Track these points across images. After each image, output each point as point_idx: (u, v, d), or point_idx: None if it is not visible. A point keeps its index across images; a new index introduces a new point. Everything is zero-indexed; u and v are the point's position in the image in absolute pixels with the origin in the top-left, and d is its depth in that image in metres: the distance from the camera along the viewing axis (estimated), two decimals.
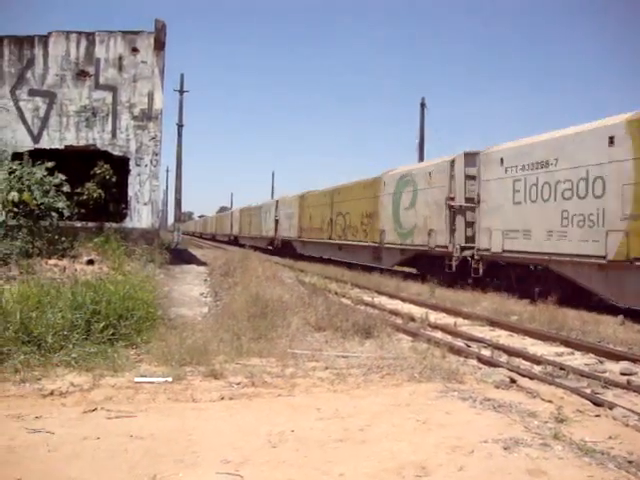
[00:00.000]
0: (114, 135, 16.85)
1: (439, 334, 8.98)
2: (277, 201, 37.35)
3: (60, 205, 13.72)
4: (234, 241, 49.96)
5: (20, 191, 13.17)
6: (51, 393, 4.90)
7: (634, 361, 7.26)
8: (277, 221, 35.77)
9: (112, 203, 17.30)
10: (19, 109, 16.55)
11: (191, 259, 22.25)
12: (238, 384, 5.36)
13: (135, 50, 16.99)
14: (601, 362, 7.43)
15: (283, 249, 33.88)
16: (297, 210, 31.65)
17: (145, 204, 16.91)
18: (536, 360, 7.19)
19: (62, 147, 16.59)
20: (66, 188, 14.17)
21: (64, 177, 14.14)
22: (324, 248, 27.37)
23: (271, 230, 37.04)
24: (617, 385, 6.09)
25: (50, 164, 13.91)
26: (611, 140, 11.10)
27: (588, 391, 5.69)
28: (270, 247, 37.13)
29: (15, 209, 13.06)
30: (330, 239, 26.02)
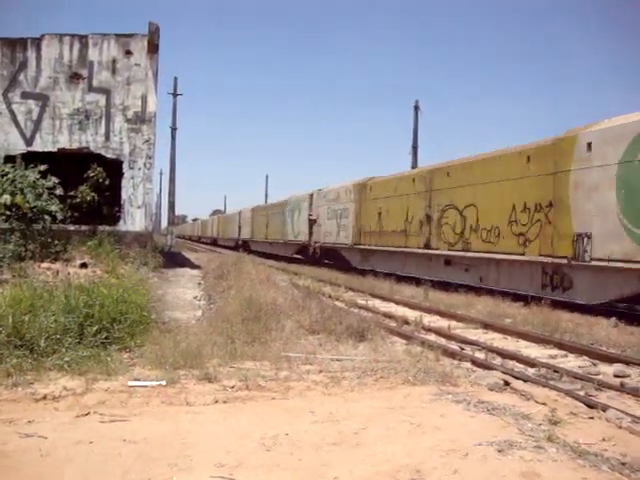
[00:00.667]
0: (107, 138, 16.80)
1: (433, 337, 8.99)
2: (311, 195, 27.90)
3: (53, 208, 13.66)
4: (243, 246, 40.38)
5: (13, 194, 13.10)
6: (44, 397, 4.87)
7: (627, 363, 7.29)
8: (312, 221, 27.11)
9: (105, 206, 17.23)
10: (12, 112, 16.47)
11: (185, 262, 22.19)
12: (232, 387, 5.35)
13: (129, 53, 16.95)
14: (594, 364, 7.45)
15: (324, 259, 26.12)
16: (354, 205, 22.57)
17: (139, 207, 16.86)
18: (530, 362, 7.21)
19: (55, 150, 16.52)
20: (59, 191, 14.11)
21: (57, 180, 14.09)
22: (411, 262, 18.51)
23: (302, 234, 28.48)
24: (611, 387, 6.11)
25: (43, 167, 13.86)
26: None
27: (582, 393, 5.70)
28: (300, 256, 29.40)
29: (8, 212, 12.98)
30: (427, 248, 17.39)
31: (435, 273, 17.21)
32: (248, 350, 6.61)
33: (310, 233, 27.48)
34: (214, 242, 60.15)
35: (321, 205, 26.46)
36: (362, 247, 21.89)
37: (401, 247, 19.06)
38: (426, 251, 17.60)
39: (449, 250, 16.44)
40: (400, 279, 18.01)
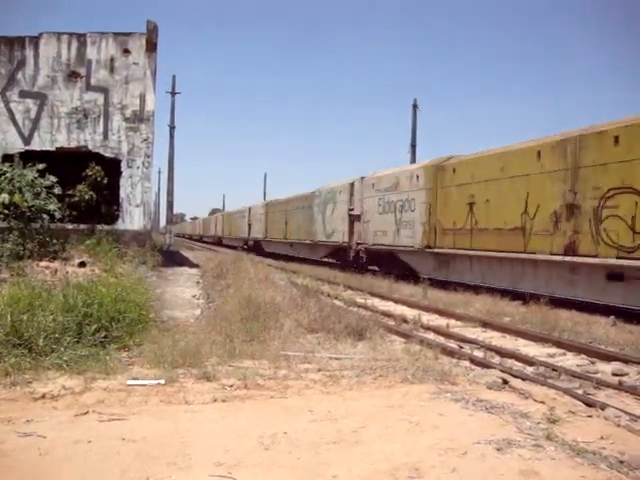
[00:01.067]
0: (106, 137, 16.78)
1: (432, 335, 8.99)
2: (352, 184, 22.54)
3: (51, 207, 13.65)
4: (254, 247, 37.90)
5: (11, 193, 13.09)
6: (42, 396, 4.87)
7: (626, 362, 7.30)
8: (354, 217, 22.10)
9: (104, 205, 17.22)
10: (10, 111, 16.46)
11: (183, 261, 22.18)
12: (231, 386, 5.35)
13: (127, 51, 16.94)
14: (593, 363, 7.46)
15: (371, 265, 21.03)
16: (424, 194, 17.22)
17: (137, 206, 16.85)
18: (528, 361, 7.21)
19: (53, 149, 16.51)
20: (57, 190, 14.10)
21: (55, 179, 14.07)
22: (535, 273, 12.97)
23: (338, 233, 23.31)
24: (609, 386, 6.12)
25: (41, 166, 13.84)
26: None
27: (580, 392, 5.70)
28: (333, 260, 24.99)
29: (6, 211, 12.97)
30: (571, 253, 11.85)
31: (586, 292, 11.80)
32: (247, 349, 6.61)
33: (350, 232, 22.16)
34: (218, 242, 55.27)
35: (368, 196, 20.95)
36: (439, 251, 16.43)
37: (516, 252, 13.28)
38: (568, 259, 11.89)
39: (620, 258, 10.80)
40: (399, 278, 17.99)
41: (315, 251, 27.03)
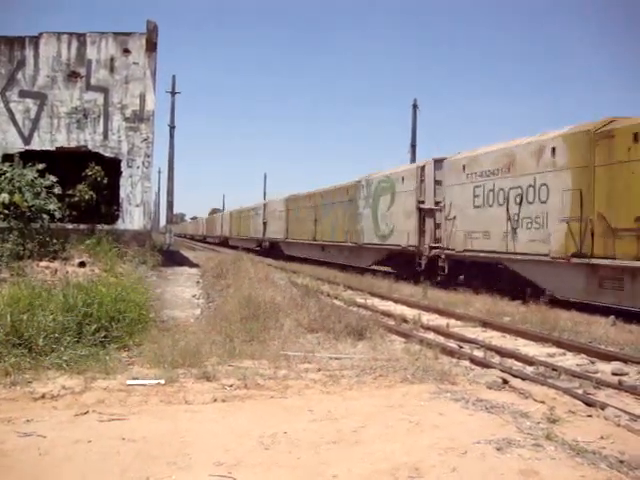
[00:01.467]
0: (106, 137, 16.78)
1: (431, 335, 8.99)
2: (423, 167, 17.47)
3: (51, 207, 13.65)
4: (271, 250, 34.24)
5: (11, 193, 13.09)
6: (42, 396, 4.87)
7: (625, 361, 7.30)
8: (425, 212, 16.97)
9: (104, 205, 17.22)
10: (9, 110, 16.46)
11: (183, 261, 22.17)
12: (231, 386, 5.35)
13: (127, 51, 16.93)
14: (593, 362, 7.46)
15: (457, 277, 15.99)
16: (569, 176, 11.76)
17: (137, 206, 16.85)
18: (528, 361, 7.21)
19: (53, 149, 16.51)
20: (57, 190, 14.10)
21: (55, 179, 14.07)
22: None
23: (400, 233, 18.04)
24: (609, 385, 6.12)
25: (41, 166, 13.84)
26: None
27: (580, 391, 5.70)
28: (390, 268, 20.03)
29: (6, 211, 12.96)
30: None
31: None
32: (247, 349, 6.62)
33: (421, 231, 16.97)
34: (224, 243, 50.16)
35: (455, 183, 15.74)
36: (603, 262, 10.86)
37: None
38: None
39: None
40: (399, 277, 17.97)
41: (360, 256, 21.52)
